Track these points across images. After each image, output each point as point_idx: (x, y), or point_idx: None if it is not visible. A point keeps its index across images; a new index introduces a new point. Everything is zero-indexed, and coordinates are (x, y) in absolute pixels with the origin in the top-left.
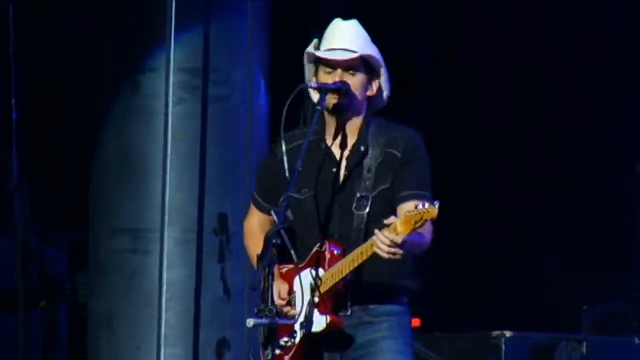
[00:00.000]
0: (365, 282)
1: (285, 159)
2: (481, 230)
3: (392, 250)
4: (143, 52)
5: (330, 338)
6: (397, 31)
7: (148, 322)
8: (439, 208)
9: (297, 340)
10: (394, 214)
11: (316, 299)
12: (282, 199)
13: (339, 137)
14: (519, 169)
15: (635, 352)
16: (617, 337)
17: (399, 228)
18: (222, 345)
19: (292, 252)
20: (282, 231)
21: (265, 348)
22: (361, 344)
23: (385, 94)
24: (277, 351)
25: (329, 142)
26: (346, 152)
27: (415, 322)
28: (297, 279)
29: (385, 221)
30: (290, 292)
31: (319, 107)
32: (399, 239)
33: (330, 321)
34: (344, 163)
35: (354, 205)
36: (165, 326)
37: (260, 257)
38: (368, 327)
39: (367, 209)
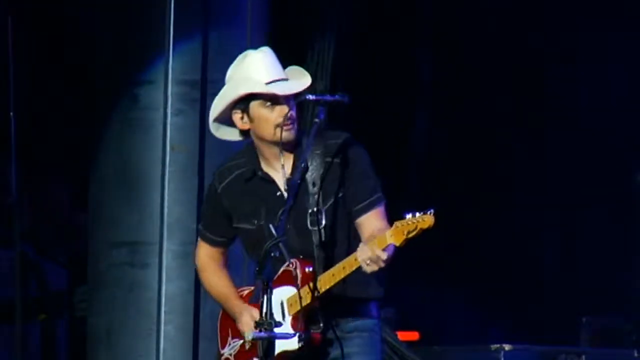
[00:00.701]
0: (334, 295)
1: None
2: (480, 241)
3: (375, 265)
4: (141, 65)
5: (304, 354)
6: (396, 33)
7: (147, 336)
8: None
9: (272, 358)
10: (351, 223)
11: (290, 317)
12: (280, 212)
13: (275, 161)
14: (517, 178)
15: None
16: (617, 350)
17: (390, 239)
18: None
19: (290, 265)
20: (280, 244)
21: None
22: (334, 357)
23: None
24: None
25: (264, 168)
26: (286, 174)
27: (414, 335)
28: (265, 298)
29: (367, 236)
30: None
31: (317, 120)
32: (383, 256)
33: (309, 338)
34: (289, 184)
35: (308, 222)
36: (164, 339)
37: (258, 272)
38: (341, 341)
39: (323, 223)
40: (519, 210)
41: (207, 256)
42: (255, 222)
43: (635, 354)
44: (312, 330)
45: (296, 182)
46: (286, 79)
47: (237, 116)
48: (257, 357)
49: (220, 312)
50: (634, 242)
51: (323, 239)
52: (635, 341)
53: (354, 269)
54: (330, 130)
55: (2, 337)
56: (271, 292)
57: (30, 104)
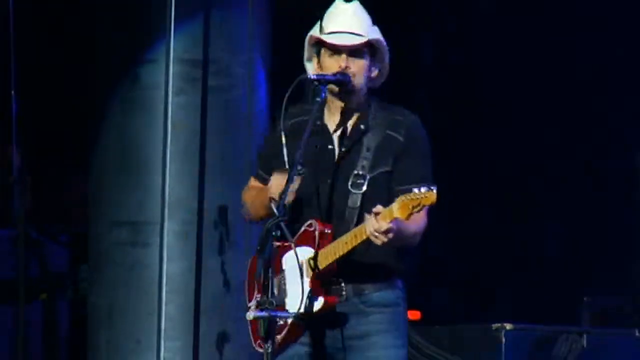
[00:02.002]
0: (357, 262)
1: (284, 140)
2: (481, 222)
3: (383, 237)
4: (142, 44)
5: (324, 321)
6: (398, 25)
7: (148, 315)
8: (438, 194)
9: (290, 319)
10: (390, 200)
11: (309, 279)
12: (282, 191)
13: (339, 116)
14: (519, 161)
15: (635, 345)
16: (618, 329)
17: (396, 212)
18: (222, 338)
19: (293, 244)
20: (281, 224)
21: (265, 341)
22: (354, 334)
23: (384, 73)
24: None
25: (327, 120)
26: (346, 131)
27: (415, 314)
28: (285, 257)
29: (374, 210)
30: (278, 272)
31: (318, 99)
32: (384, 227)
33: (325, 301)
34: (342, 141)
35: (350, 183)
36: (166, 319)
37: (259, 250)
38: (362, 317)
39: (364, 189)
40: (520, 192)
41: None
42: (302, 170)
43: (637, 334)
44: (329, 295)
45: (298, 163)
46: (353, 33)
47: (314, 60)
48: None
49: (248, 267)
50: (635, 222)
51: (358, 203)
52: (637, 321)
53: (364, 238)
54: (401, 106)
55: (4, 317)
56: (272, 272)
57: (32, 84)
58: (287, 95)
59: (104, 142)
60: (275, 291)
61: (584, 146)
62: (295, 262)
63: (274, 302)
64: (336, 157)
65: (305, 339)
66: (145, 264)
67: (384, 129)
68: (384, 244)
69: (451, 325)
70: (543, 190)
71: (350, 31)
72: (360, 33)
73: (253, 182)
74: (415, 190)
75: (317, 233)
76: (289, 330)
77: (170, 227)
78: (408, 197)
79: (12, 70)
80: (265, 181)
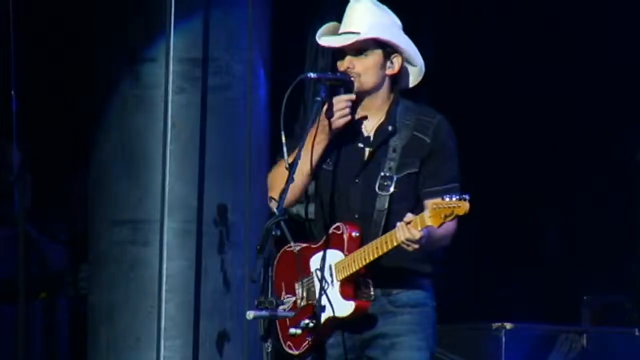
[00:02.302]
0: (386, 264)
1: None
2: (481, 220)
3: (415, 245)
4: (142, 42)
5: (352, 323)
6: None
7: (148, 314)
8: (470, 203)
9: (321, 323)
10: (418, 201)
11: (339, 283)
12: (282, 190)
13: (367, 115)
14: (519, 157)
15: (635, 344)
16: (618, 328)
17: (428, 221)
18: (222, 337)
19: (292, 243)
20: (282, 223)
21: (265, 341)
22: (381, 334)
23: (416, 68)
24: (298, 331)
25: (358, 117)
26: (373, 130)
27: None
28: (313, 259)
29: (405, 219)
30: (306, 273)
31: (318, 98)
32: (417, 236)
33: (357, 306)
34: (370, 140)
35: (377, 185)
36: (165, 318)
37: (259, 249)
38: (390, 317)
39: (391, 190)
40: (520, 188)
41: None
42: (330, 163)
43: (637, 332)
44: (360, 299)
45: (297, 160)
46: (348, 33)
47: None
48: (308, 318)
49: (275, 265)
50: (635, 220)
51: (386, 205)
52: (637, 320)
53: (395, 245)
54: (428, 106)
55: (4, 316)
56: (273, 270)
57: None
58: (287, 94)
59: (104, 141)
60: (304, 293)
61: (584, 145)
62: (324, 264)
63: (274, 301)
64: (366, 156)
65: (332, 338)
66: (145, 262)
67: (410, 130)
68: (415, 250)
69: (451, 325)
70: (543, 189)
71: (348, 31)
72: (357, 31)
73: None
74: (447, 198)
75: (345, 236)
76: (317, 333)
77: (170, 226)
78: (440, 205)
79: (12, 69)
80: None
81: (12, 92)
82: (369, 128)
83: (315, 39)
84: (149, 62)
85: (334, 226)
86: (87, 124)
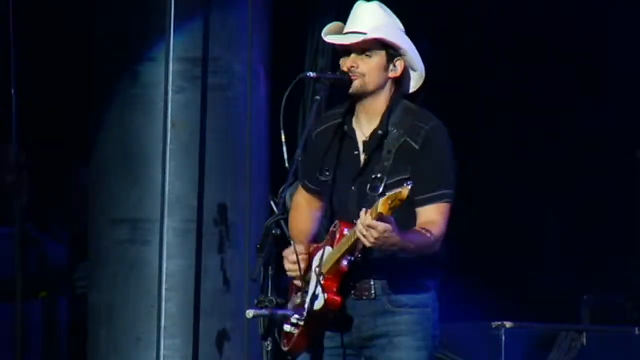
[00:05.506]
0: (388, 262)
1: (283, 139)
2: (480, 220)
3: (365, 233)
4: (142, 42)
5: (349, 320)
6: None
7: (148, 313)
8: (410, 190)
9: (306, 318)
10: (410, 206)
11: (321, 278)
12: (281, 189)
13: (362, 120)
14: (518, 158)
15: (635, 343)
16: (617, 327)
17: (380, 208)
18: (222, 336)
19: (292, 242)
20: (282, 222)
21: (265, 340)
22: (379, 334)
23: (417, 73)
24: (289, 328)
25: (355, 124)
26: (367, 136)
27: None
28: (315, 258)
29: (361, 213)
30: (309, 271)
31: (317, 98)
32: (367, 221)
33: (327, 300)
34: (365, 146)
35: (369, 187)
36: (165, 317)
37: (259, 249)
38: (389, 317)
39: (380, 191)
40: (520, 187)
41: (303, 199)
42: (327, 174)
43: (637, 332)
44: (335, 294)
45: (297, 159)
46: (354, 32)
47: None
48: (298, 314)
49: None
50: (635, 219)
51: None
52: (636, 319)
53: (356, 237)
54: (425, 110)
55: (3, 315)
56: (272, 269)
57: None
58: (286, 94)
59: (104, 140)
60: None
61: (584, 145)
62: (317, 262)
63: (274, 300)
64: (362, 163)
65: (331, 336)
66: (145, 261)
67: (403, 135)
68: (372, 244)
69: (450, 323)
70: (543, 186)
71: (354, 30)
72: (363, 31)
73: (300, 194)
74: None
75: (337, 233)
76: (305, 330)
77: (170, 225)
78: (389, 194)
79: (12, 69)
80: (313, 192)
81: (12, 92)
82: (366, 132)
83: (314, 38)
84: (148, 61)
85: (332, 225)
86: (87, 124)
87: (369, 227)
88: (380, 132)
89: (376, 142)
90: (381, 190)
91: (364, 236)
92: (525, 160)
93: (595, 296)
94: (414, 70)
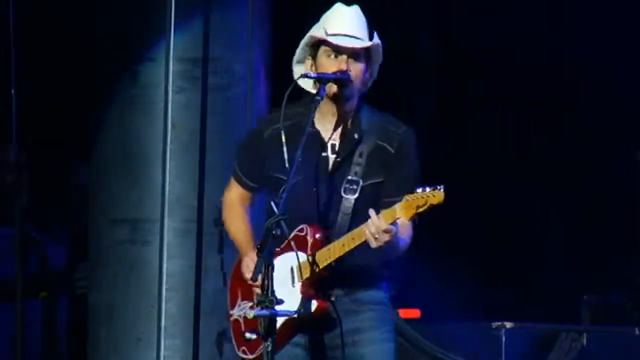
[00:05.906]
0: (345, 267)
1: (284, 139)
2: (481, 220)
3: (382, 239)
4: (142, 42)
5: (314, 323)
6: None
7: (148, 313)
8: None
9: (279, 324)
10: (378, 210)
11: (299, 284)
12: (282, 189)
13: (332, 122)
14: (521, 157)
15: (635, 343)
16: (618, 327)
17: (399, 213)
18: (222, 336)
19: (292, 243)
20: (282, 222)
21: (265, 340)
22: (346, 331)
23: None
24: (254, 336)
25: (319, 125)
26: (339, 137)
27: (415, 313)
28: (276, 262)
29: (371, 212)
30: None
31: (318, 97)
32: (383, 226)
33: (318, 306)
34: (336, 148)
35: (342, 189)
36: (165, 317)
37: (259, 249)
38: (353, 315)
39: (356, 195)
40: (521, 188)
41: (236, 197)
42: (288, 174)
43: (637, 332)
44: (321, 299)
45: (298, 159)
46: (355, 37)
47: (308, 62)
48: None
49: (232, 273)
50: (637, 220)
51: (351, 209)
52: (637, 319)
53: (362, 240)
54: (396, 118)
55: (3, 315)
56: (273, 270)
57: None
58: (286, 94)
59: (104, 140)
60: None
61: (584, 145)
62: (285, 265)
63: (274, 300)
64: (330, 165)
65: (300, 339)
66: (145, 262)
67: (375, 138)
68: (379, 247)
69: (451, 324)
70: (545, 187)
71: (354, 35)
72: (363, 37)
73: (233, 191)
74: (420, 190)
75: (309, 238)
76: (279, 332)
77: (170, 225)
78: (413, 197)
79: (12, 69)
80: (249, 187)
81: (12, 92)
82: (334, 135)
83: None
84: (148, 61)
85: (297, 228)
86: (87, 124)
87: (385, 231)
88: (355, 135)
89: (350, 144)
90: (357, 194)
91: (376, 239)
92: (528, 160)
93: (595, 296)
94: (371, 75)
